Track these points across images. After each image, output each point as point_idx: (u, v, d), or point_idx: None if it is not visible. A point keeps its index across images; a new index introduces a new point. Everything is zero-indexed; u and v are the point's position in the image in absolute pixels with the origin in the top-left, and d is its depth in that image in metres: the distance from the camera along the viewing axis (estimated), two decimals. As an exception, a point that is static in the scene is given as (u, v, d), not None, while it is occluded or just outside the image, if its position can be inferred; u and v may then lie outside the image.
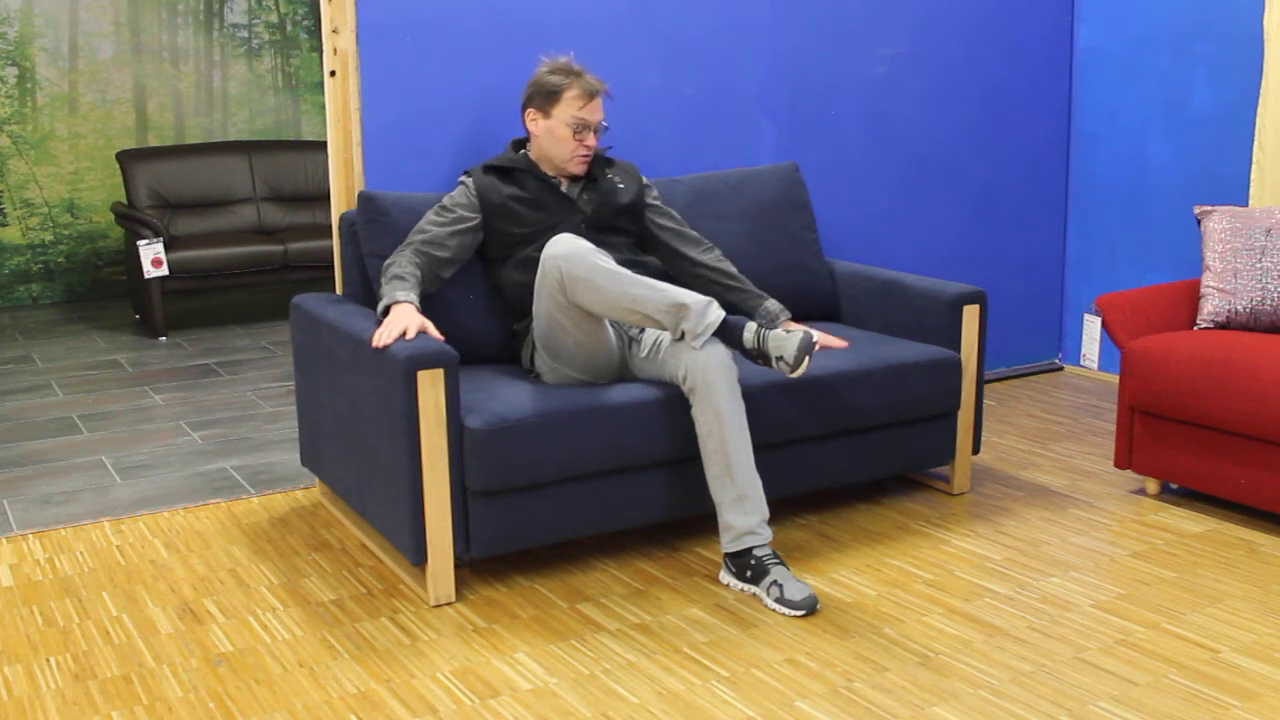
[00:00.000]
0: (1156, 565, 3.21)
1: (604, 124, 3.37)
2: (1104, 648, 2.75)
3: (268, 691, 2.60)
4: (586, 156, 3.37)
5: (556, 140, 3.33)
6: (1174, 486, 3.75)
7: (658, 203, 3.55)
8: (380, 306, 3.11)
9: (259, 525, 3.57)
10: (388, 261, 3.22)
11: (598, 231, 3.34)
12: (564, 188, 3.40)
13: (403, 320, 2.98)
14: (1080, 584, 3.09)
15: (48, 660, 2.75)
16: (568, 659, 2.73)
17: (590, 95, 3.31)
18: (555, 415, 2.99)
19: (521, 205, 3.33)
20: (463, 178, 3.40)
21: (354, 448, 3.20)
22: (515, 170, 3.37)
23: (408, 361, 2.84)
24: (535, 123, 3.35)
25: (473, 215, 3.32)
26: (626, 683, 2.62)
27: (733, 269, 3.51)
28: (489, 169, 3.38)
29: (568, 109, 3.30)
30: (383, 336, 2.94)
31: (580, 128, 3.31)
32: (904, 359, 3.47)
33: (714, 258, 3.51)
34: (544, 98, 3.32)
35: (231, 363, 5.65)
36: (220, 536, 3.49)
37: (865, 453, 3.48)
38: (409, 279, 3.14)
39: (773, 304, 3.46)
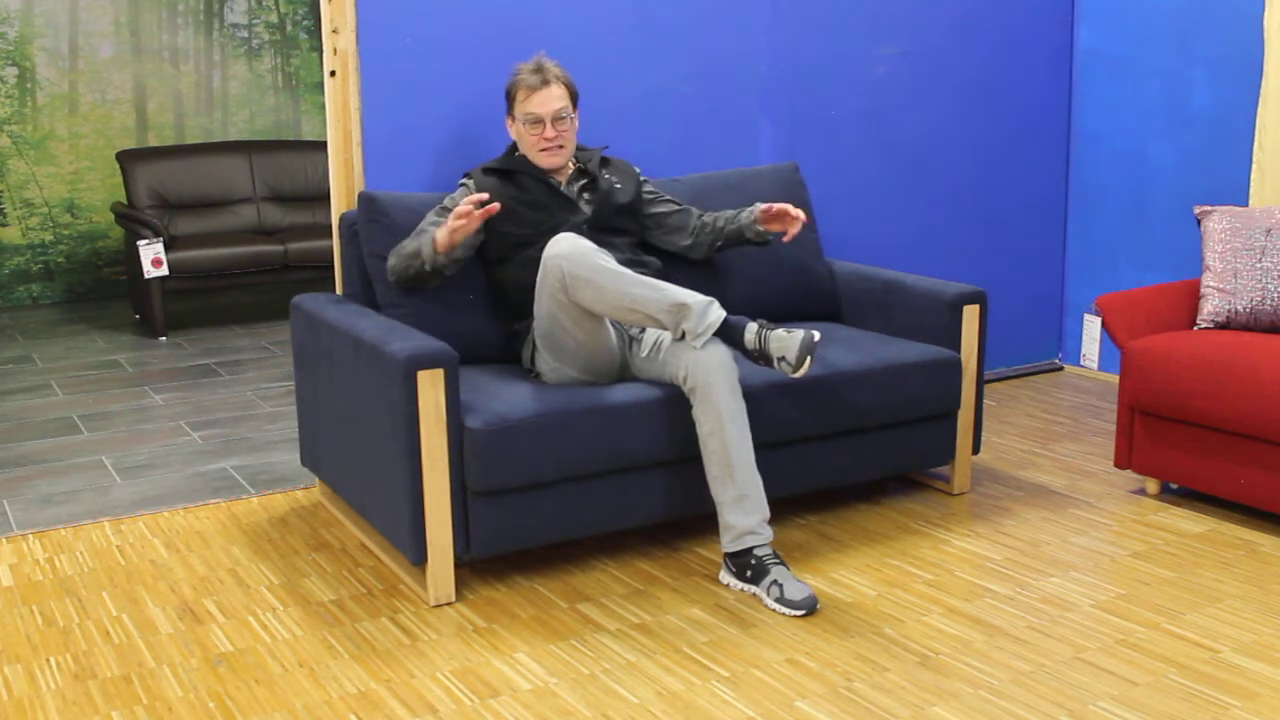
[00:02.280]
0: (1156, 565, 3.21)
1: (564, 112, 3.33)
2: (1104, 648, 2.75)
3: (268, 691, 2.60)
4: (551, 149, 3.35)
5: (524, 141, 3.37)
6: (1174, 486, 3.75)
7: (654, 194, 3.59)
8: (427, 250, 3.15)
9: (259, 525, 3.57)
10: (394, 251, 3.26)
11: (599, 231, 3.34)
12: (563, 188, 3.41)
13: (448, 221, 3.08)
14: (1080, 584, 3.09)
15: (48, 660, 2.75)
16: (568, 659, 2.73)
17: (532, 89, 3.31)
18: (555, 415, 2.99)
19: (523, 206, 3.33)
20: (463, 179, 3.41)
21: (354, 448, 3.20)
22: (515, 172, 3.38)
23: (408, 361, 2.84)
24: (511, 128, 3.41)
25: (475, 213, 3.33)
26: (626, 683, 2.62)
27: (721, 212, 3.60)
28: (489, 171, 3.39)
29: (521, 108, 3.34)
30: (462, 219, 3.04)
31: (532, 122, 3.32)
32: (904, 359, 3.47)
33: (709, 215, 3.62)
34: (508, 101, 3.39)
35: (231, 363, 5.65)
36: (220, 536, 3.49)
37: (865, 453, 3.48)
38: (425, 233, 3.22)
39: (747, 212, 3.52)
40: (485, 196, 3.11)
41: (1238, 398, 3.31)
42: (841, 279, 3.95)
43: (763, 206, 3.45)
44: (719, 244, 3.59)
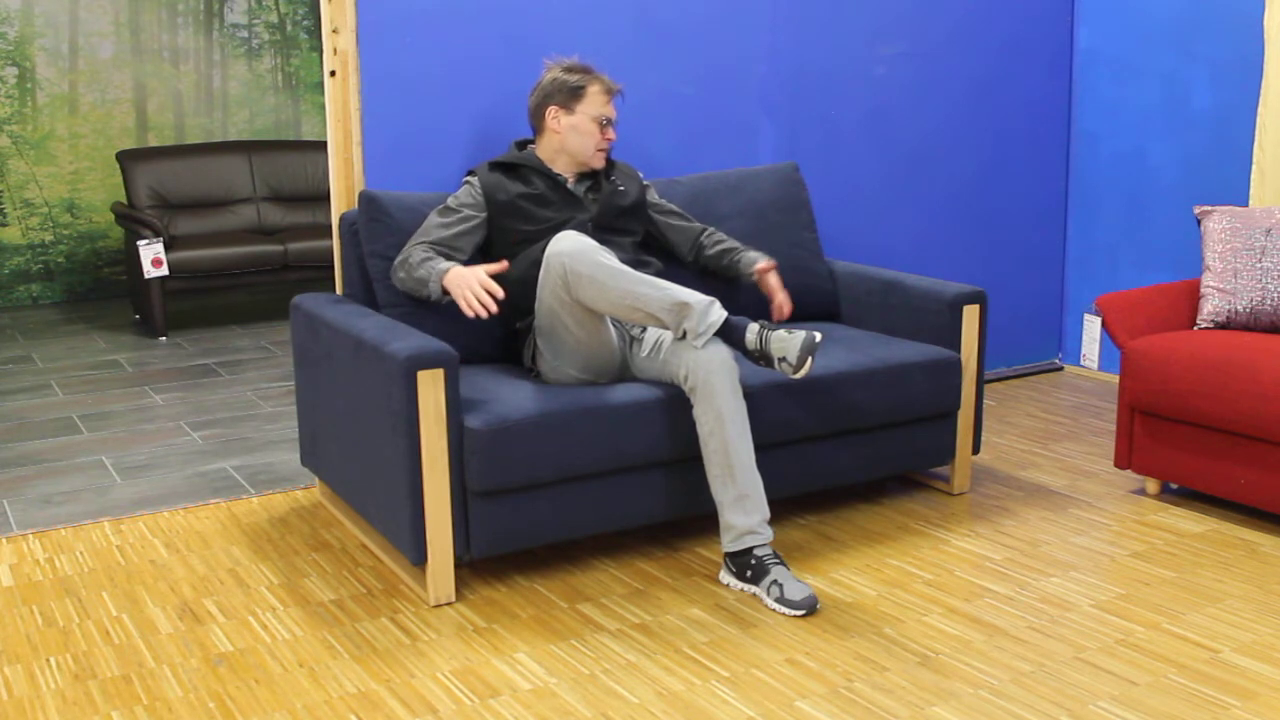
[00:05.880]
0: (1156, 565, 3.21)
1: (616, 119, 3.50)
2: (1104, 648, 2.75)
3: (268, 691, 2.60)
4: (605, 150, 3.45)
5: (582, 135, 3.39)
6: (1174, 486, 3.75)
7: (659, 200, 3.62)
8: (434, 286, 3.16)
9: (259, 525, 3.57)
10: (400, 258, 3.25)
11: (603, 231, 3.35)
12: (570, 186, 3.41)
13: (466, 283, 3.07)
14: (1080, 584, 3.09)
15: (48, 660, 2.75)
16: (568, 659, 2.73)
17: (610, 92, 3.43)
18: (555, 415, 2.99)
19: (529, 203, 3.34)
20: (468, 176, 3.41)
21: (354, 448, 3.20)
22: (522, 167, 3.39)
23: (408, 361, 2.84)
24: (557, 120, 3.39)
25: (478, 213, 3.33)
26: (626, 683, 2.62)
27: (722, 237, 3.66)
28: (495, 166, 3.39)
29: (593, 105, 3.38)
30: (473, 306, 3.05)
31: (605, 122, 3.40)
32: (904, 359, 3.47)
33: (711, 234, 3.67)
34: (567, 95, 3.38)
35: (231, 363, 5.65)
36: (220, 536, 3.49)
37: (865, 453, 3.48)
38: (435, 257, 3.22)
39: (749, 258, 3.58)
40: (500, 294, 3.11)
41: (1237, 398, 3.31)
42: (841, 279, 3.95)
43: (762, 265, 3.52)
44: (711, 268, 3.65)
